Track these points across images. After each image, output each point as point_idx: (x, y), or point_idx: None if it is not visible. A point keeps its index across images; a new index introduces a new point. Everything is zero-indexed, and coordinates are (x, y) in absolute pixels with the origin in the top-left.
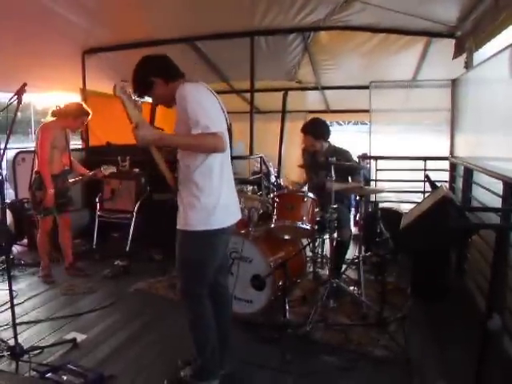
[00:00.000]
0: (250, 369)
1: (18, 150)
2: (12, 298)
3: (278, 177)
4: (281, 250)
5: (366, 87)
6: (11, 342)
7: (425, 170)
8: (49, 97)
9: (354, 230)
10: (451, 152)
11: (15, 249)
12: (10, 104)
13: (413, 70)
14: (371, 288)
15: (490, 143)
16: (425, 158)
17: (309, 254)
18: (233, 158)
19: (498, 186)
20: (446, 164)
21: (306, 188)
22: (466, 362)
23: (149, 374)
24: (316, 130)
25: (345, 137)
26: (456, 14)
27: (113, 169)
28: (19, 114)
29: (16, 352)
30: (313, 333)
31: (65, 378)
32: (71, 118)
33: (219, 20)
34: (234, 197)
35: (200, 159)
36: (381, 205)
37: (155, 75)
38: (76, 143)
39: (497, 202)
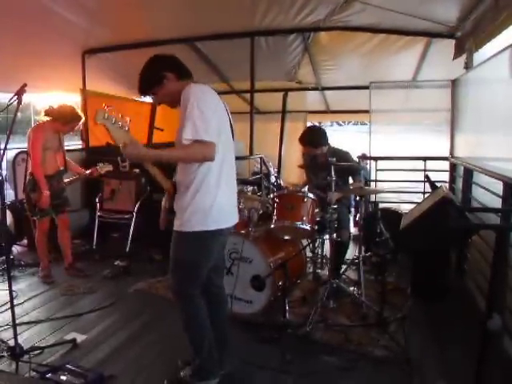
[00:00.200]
0: (249, 369)
1: (18, 151)
2: (12, 298)
3: (277, 177)
4: (281, 251)
5: (366, 87)
6: (11, 343)
7: (425, 170)
8: (49, 97)
9: (353, 230)
10: (451, 152)
11: (15, 249)
12: (10, 104)
13: (413, 70)
14: (371, 288)
15: (489, 143)
16: (425, 159)
17: (309, 254)
18: None
19: (498, 187)
20: (445, 164)
21: (305, 189)
22: (466, 362)
23: (149, 374)
24: (314, 139)
25: (345, 137)
26: (456, 14)
27: (109, 167)
28: (19, 114)
29: (16, 352)
30: (313, 333)
31: (65, 378)
32: (61, 122)
33: (219, 20)
34: (233, 198)
35: None
36: (381, 205)
37: (169, 70)
38: (76, 143)
39: (497, 203)
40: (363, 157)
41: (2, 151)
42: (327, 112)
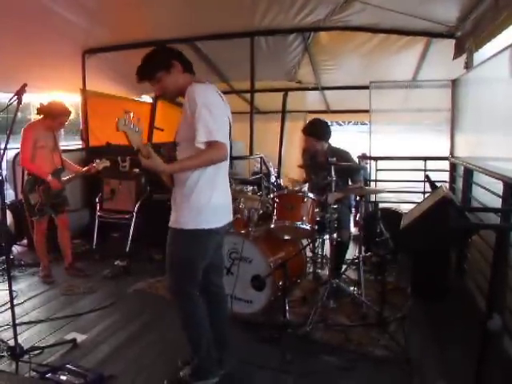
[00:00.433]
0: (249, 369)
1: (18, 151)
2: (12, 298)
3: (278, 177)
4: (281, 251)
5: (366, 87)
6: (11, 343)
7: (425, 170)
8: (49, 97)
9: (353, 230)
10: (451, 152)
11: (15, 249)
12: (10, 104)
13: (413, 70)
14: (371, 288)
15: (489, 143)
16: (425, 158)
17: (309, 254)
18: (233, 158)
19: (498, 187)
20: (446, 164)
21: (305, 187)
22: (466, 362)
23: (149, 374)
24: (317, 131)
25: (345, 137)
26: (456, 14)
27: (106, 163)
28: (19, 114)
29: (16, 352)
30: (313, 333)
31: (65, 378)
32: (51, 118)
33: (219, 20)
34: (227, 198)
35: None
36: (381, 205)
37: (178, 60)
38: (76, 143)
39: (497, 203)
40: (363, 157)
41: (1, 151)
42: (327, 112)
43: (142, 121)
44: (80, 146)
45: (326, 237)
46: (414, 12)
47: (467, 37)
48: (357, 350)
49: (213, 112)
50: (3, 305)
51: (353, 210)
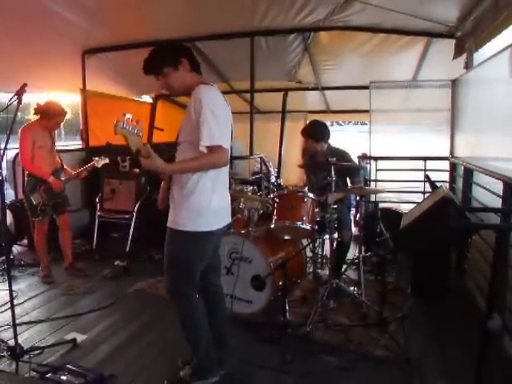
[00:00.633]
0: (249, 369)
1: (18, 151)
2: (12, 298)
3: (278, 177)
4: (281, 251)
5: (366, 87)
6: (11, 343)
7: (425, 170)
8: (49, 97)
9: (354, 230)
10: (451, 152)
11: (15, 249)
12: (10, 104)
13: (413, 70)
14: (371, 288)
15: (489, 143)
16: (425, 158)
17: (309, 254)
18: (233, 158)
19: (498, 186)
20: (446, 164)
21: (305, 189)
22: (466, 362)
23: (149, 373)
24: (316, 132)
25: (345, 137)
26: (456, 14)
27: (105, 160)
28: (19, 114)
29: (16, 352)
30: (313, 333)
31: (65, 378)
32: (47, 118)
33: (219, 20)
34: (226, 201)
35: None
36: (381, 205)
37: (187, 58)
38: (76, 143)
39: (497, 203)
40: (363, 157)
41: (1, 151)
42: (327, 112)
43: (142, 121)
44: (80, 146)
45: (326, 237)
46: (414, 12)
47: (467, 37)
48: (357, 350)
49: (218, 116)
50: (3, 305)
51: (353, 209)
